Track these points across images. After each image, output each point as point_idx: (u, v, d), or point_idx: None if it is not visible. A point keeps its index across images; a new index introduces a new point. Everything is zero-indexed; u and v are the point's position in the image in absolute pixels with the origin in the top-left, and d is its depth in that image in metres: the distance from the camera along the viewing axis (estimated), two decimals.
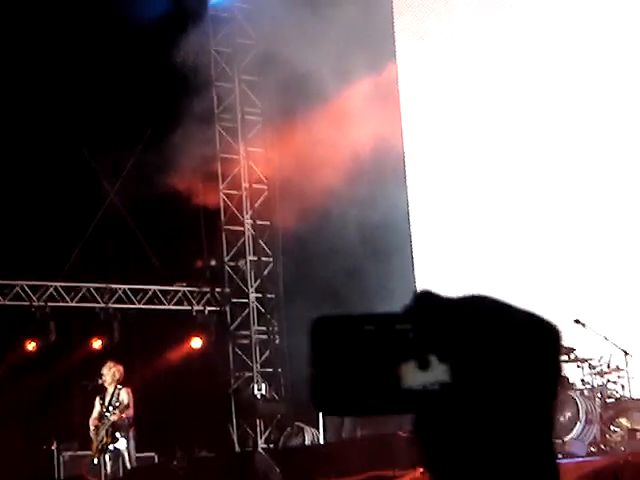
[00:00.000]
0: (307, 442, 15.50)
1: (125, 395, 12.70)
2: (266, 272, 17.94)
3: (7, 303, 16.22)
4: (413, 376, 1.20)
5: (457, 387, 1.15)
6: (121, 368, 13.06)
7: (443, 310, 1.16)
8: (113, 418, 12.57)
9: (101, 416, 12.70)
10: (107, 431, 12.60)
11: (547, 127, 14.99)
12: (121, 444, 12.63)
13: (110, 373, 12.92)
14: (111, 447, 12.61)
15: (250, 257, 17.97)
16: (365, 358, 1.23)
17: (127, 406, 12.59)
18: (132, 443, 12.72)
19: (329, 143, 16.15)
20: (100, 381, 13.13)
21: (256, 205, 17.98)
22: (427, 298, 1.16)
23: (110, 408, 12.60)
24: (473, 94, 15.72)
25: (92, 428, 12.72)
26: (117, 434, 12.61)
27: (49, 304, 16.39)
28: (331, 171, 15.97)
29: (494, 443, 1.12)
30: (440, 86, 16.13)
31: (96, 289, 17.09)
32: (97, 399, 12.91)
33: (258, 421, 17.36)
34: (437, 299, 1.16)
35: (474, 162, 15.70)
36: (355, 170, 15.66)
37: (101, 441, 12.64)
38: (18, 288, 16.38)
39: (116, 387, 12.83)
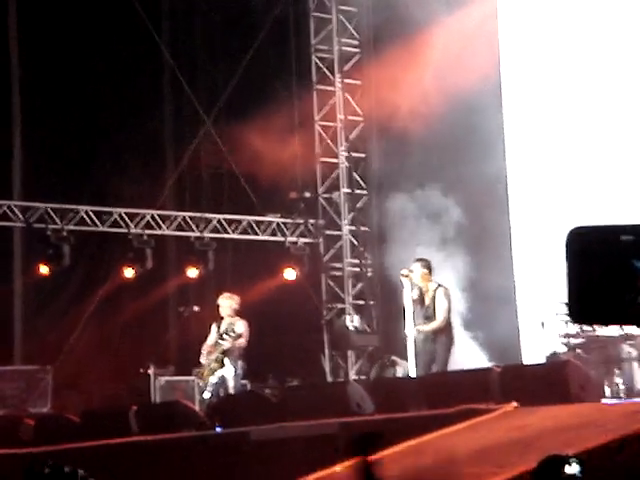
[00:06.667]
0: (399, 375, 15.52)
1: (241, 325, 12.81)
2: (360, 204, 17.92)
3: (106, 229, 16.45)
4: None
5: None
6: (238, 299, 13.14)
7: None
8: (225, 345, 12.70)
9: (215, 343, 12.85)
10: (217, 357, 12.76)
11: None
12: (228, 371, 12.77)
13: (227, 304, 12.99)
14: (218, 373, 12.77)
15: (344, 189, 17.95)
16: (620, 268, 1.25)
17: (240, 335, 12.69)
18: (239, 372, 12.85)
19: (425, 76, 15.96)
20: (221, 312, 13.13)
21: (351, 137, 17.91)
22: None
23: (225, 336, 12.72)
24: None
25: (204, 353, 12.86)
26: (226, 360, 12.74)
27: (146, 231, 16.60)
28: (427, 104, 15.80)
29: None
30: (540, 22, 15.82)
31: (191, 218, 17.26)
32: (213, 326, 13.02)
33: (350, 352, 17.46)
34: None
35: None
36: (452, 103, 15.48)
37: (209, 365, 12.80)
38: (116, 215, 16.60)
39: (233, 317, 12.93)
